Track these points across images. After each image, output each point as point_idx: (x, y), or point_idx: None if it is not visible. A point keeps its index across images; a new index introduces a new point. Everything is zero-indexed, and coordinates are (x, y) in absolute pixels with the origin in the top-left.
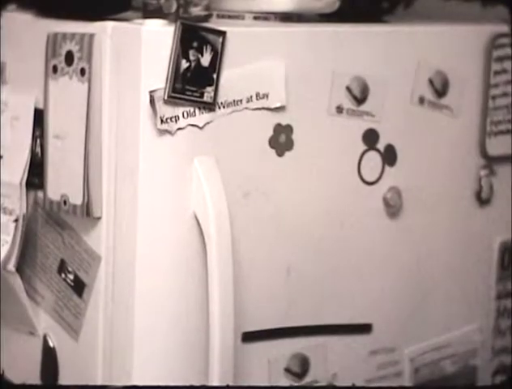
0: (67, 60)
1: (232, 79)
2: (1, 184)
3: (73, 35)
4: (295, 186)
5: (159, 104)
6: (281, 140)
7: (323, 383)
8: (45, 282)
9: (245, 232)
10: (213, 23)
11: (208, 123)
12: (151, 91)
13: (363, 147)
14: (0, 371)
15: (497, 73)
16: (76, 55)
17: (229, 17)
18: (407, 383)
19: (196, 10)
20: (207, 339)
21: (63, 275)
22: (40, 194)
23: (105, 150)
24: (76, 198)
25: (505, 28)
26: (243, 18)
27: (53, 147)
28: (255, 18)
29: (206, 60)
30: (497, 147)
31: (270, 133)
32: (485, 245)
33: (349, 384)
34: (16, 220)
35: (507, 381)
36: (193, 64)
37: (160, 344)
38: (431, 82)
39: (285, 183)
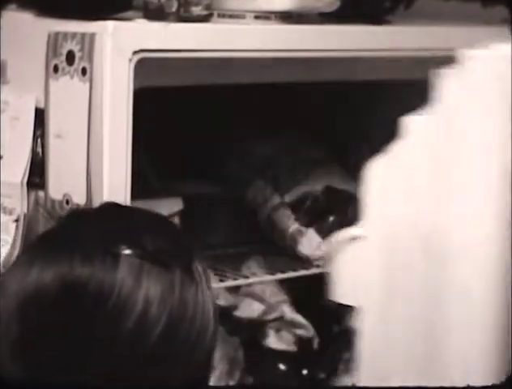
0: (68, 59)
1: None
2: (1, 184)
3: (74, 34)
4: None
5: None
6: None
7: None
8: None
9: None
10: (214, 23)
11: None
12: None
13: None
14: None
15: None
16: (77, 55)
17: (230, 16)
18: None
19: (197, 10)
20: None
21: None
22: (41, 193)
23: (106, 149)
24: (79, 198)
25: None
26: (244, 17)
27: (54, 146)
28: (256, 17)
29: None
30: None
31: None
32: None
33: None
34: (17, 220)
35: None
36: None
37: None
38: None
39: None
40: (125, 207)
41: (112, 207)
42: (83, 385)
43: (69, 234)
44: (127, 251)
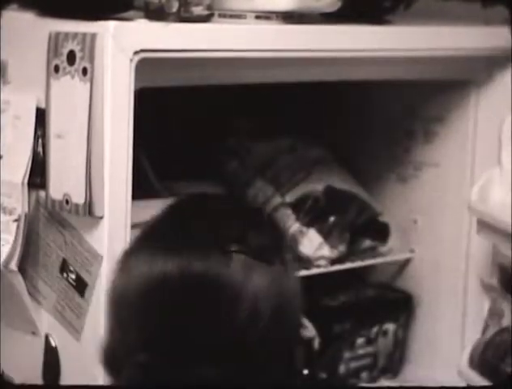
0: (69, 59)
1: None
2: (1, 183)
3: (75, 34)
4: None
5: None
6: None
7: None
8: (47, 282)
9: None
10: (214, 23)
11: None
12: None
13: None
14: (0, 371)
15: None
16: (78, 55)
17: (231, 16)
18: None
19: (197, 10)
20: None
21: (65, 275)
22: (41, 193)
23: (107, 149)
24: (79, 198)
25: None
26: (245, 17)
27: (55, 146)
28: (257, 17)
29: None
30: None
31: None
32: None
33: None
34: (17, 220)
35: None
36: None
37: None
38: None
39: None
40: (229, 200)
41: (217, 200)
42: (203, 376)
43: (184, 228)
44: (236, 248)
